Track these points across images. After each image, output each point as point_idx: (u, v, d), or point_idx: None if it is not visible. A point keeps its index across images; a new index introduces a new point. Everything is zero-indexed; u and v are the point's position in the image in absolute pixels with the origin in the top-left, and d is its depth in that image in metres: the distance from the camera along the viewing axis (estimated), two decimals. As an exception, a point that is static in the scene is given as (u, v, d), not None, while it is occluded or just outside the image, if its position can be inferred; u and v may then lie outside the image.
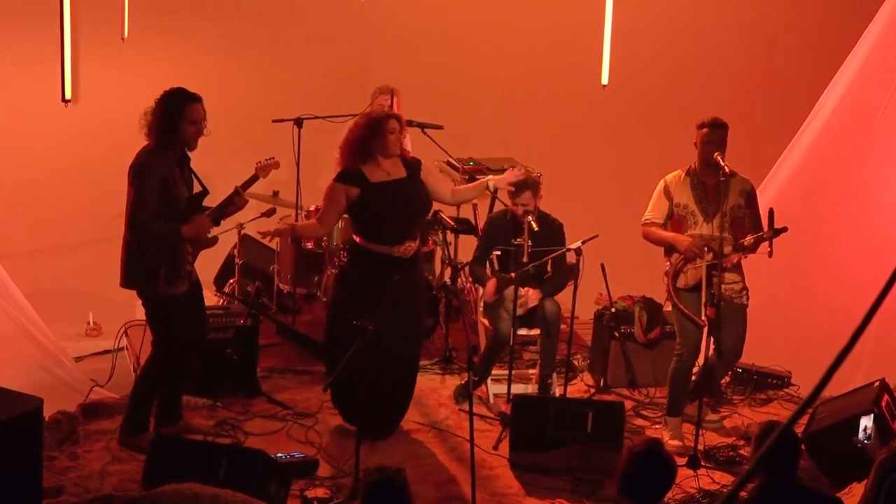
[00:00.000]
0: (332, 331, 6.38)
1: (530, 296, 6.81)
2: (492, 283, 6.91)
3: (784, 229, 6.23)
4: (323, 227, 6.35)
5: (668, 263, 6.52)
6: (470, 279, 7.69)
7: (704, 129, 6.40)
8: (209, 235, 6.11)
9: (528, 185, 6.85)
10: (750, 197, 6.55)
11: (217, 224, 6.26)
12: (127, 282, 6.02)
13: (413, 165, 6.31)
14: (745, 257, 6.46)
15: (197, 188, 6.11)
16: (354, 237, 6.30)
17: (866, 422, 5.87)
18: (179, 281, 5.97)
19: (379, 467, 4.44)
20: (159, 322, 6.07)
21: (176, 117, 5.86)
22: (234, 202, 6.17)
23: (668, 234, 6.50)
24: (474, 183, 6.89)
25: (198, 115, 5.91)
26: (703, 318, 6.28)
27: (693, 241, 6.39)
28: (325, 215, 6.25)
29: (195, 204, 6.04)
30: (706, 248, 6.35)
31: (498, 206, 7.51)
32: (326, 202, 6.23)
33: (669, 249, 6.52)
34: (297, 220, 7.73)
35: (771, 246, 6.26)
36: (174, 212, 5.90)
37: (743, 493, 4.43)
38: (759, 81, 9.81)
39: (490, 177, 6.80)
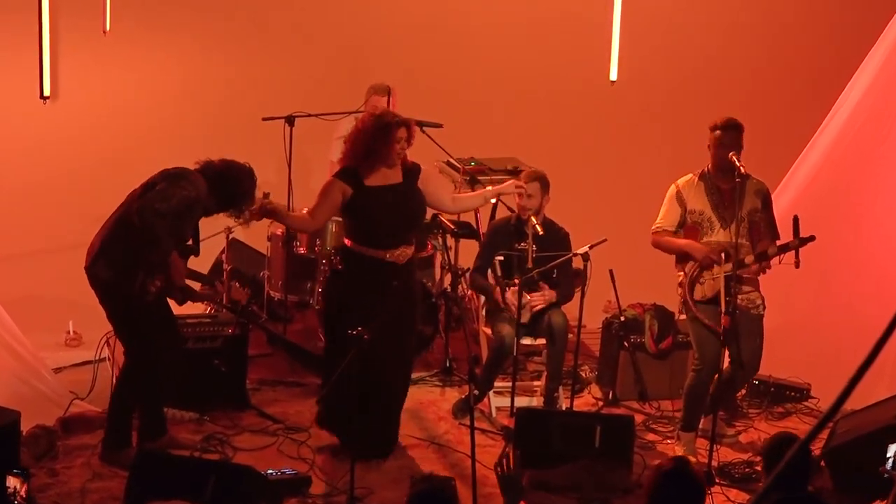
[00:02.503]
0: (332, 341, 6.38)
1: (544, 295, 6.79)
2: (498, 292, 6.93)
3: (811, 238, 6.22)
4: (314, 221, 6.32)
5: (680, 274, 6.52)
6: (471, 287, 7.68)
7: (717, 132, 6.39)
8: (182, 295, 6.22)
9: (537, 176, 6.86)
10: (766, 199, 6.55)
11: (182, 303, 6.35)
12: (96, 265, 5.97)
13: (411, 171, 6.30)
14: (767, 271, 6.44)
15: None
16: (345, 240, 6.30)
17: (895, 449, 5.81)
18: (148, 295, 5.98)
19: (427, 476, 4.45)
20: (130, 328, 6.08)
21: (248, 197, 6.14)
22: (214, 287, 6.48)
23: (683, 242, 6.49)
24: (474, 193, 6.91)
25: None
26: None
27: (710, 249, 6.38)
28: (318, 210, 6.23)
29: (182, 254, 6.10)
30: (724, 256, 6.34)
31: (501, 212, 7.50)
32: (321, 196, 6.22)
33: (682, 258, 6.52)
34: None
35: (797, 256, 6.25)
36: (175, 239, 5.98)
37: None
38: (777, 77, 9.81)
39: (489, 188, 6.78)
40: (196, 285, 6.45)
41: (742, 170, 6.23)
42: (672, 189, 6.58)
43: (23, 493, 5.36)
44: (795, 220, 6.29)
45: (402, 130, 6.15)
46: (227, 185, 6.10)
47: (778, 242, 6.41)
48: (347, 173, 6.19)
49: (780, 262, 6.39)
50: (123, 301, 5.99)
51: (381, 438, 6.38)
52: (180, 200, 5.90)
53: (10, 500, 5.36)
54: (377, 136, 6.11)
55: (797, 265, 6.25)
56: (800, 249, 6.25)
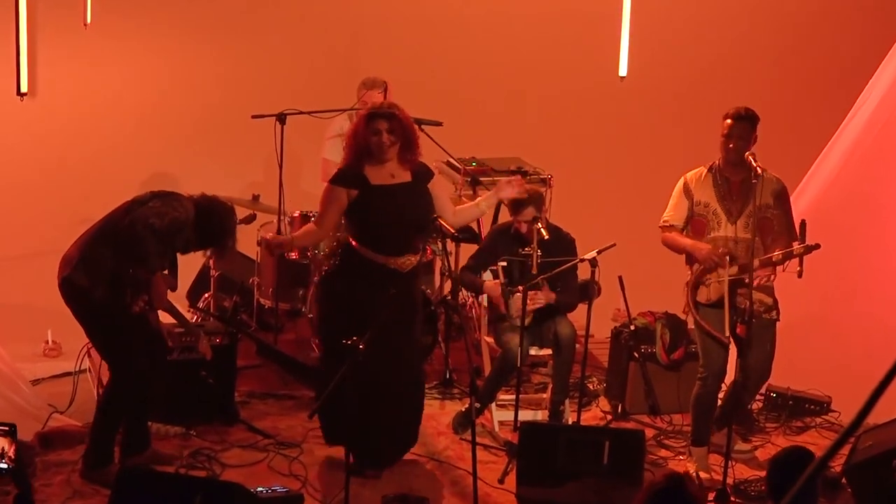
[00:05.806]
0: (328, 348, 6.38)
1: (541, 295, 6.78)
2: (490, 286, 6.91)
3: (816, 246, 6.22)
4: (322, 230, 6.34)
5: (689, 274, 6.53)
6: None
7: (727, 121, 6.42)
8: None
9: (530, 200, 6.83)
10: (780, 195, 6.54)
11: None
12: (74, 273, 5.97)
13: (421, 172, 6.31)
14: (774, 276, 6.43)
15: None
16: (350, 239, 6.29)
17: None
18: (131, 309, 6.01)
19: (400, 496, 4.44)
20: (113, 340, 6.08)
21: (229, 235, 6.26)
22: (191, 331, 6.62)
23: (687, 242, 6.51)
24: (472, 203, 6.76)
25: None
26: (727, 335, 6.27)
27: (712, 249, 6.39)
28: (325, 217, 6.25)
29: None
30: (728, 258, 6.34)
31: (503, 215, 7.49)
32: (326, 203, 6.23)
33: (690, 258, 6.53)
34: (279, 227, 7.73)
35: (801, 265, 6.25)
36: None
37: None
38: (794, 72, 9.82)
39: (480, 198, 6.73)
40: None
41: (759, 170, 6.24)
42: (680, 182, 6.60)
43: (11, 453, 5.37)
44: (802, 225, 6.29)
45: (381, 122, 6.14)
46: (213, 220, 6.18)
47: (781, 250, 6.37)
48: (351, 174, 6.19)
49: (783, 270, 6.38)
50: (101, 311, 5.99)
51: (374, 448, 6.35)
52: (172, 221, 5.97)
53: None
54: (359, 130, 6.16)
55: (800, 275, 6.24)
56: (806, 258, 6.24)
